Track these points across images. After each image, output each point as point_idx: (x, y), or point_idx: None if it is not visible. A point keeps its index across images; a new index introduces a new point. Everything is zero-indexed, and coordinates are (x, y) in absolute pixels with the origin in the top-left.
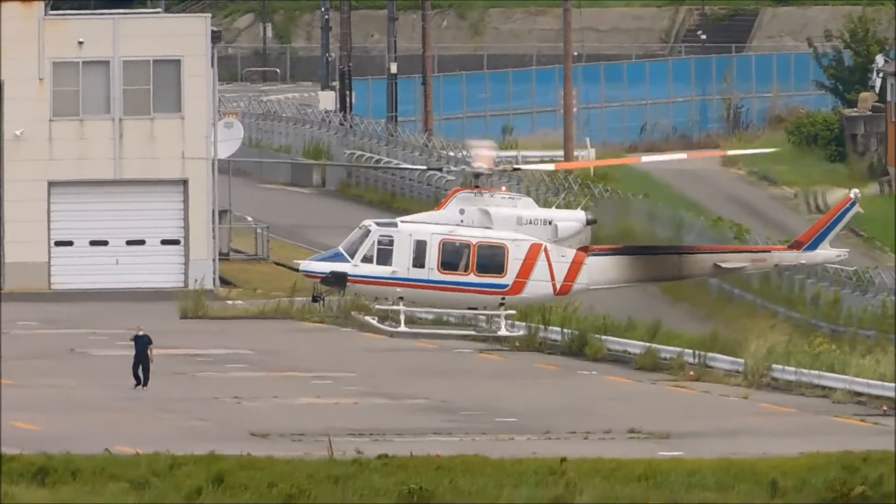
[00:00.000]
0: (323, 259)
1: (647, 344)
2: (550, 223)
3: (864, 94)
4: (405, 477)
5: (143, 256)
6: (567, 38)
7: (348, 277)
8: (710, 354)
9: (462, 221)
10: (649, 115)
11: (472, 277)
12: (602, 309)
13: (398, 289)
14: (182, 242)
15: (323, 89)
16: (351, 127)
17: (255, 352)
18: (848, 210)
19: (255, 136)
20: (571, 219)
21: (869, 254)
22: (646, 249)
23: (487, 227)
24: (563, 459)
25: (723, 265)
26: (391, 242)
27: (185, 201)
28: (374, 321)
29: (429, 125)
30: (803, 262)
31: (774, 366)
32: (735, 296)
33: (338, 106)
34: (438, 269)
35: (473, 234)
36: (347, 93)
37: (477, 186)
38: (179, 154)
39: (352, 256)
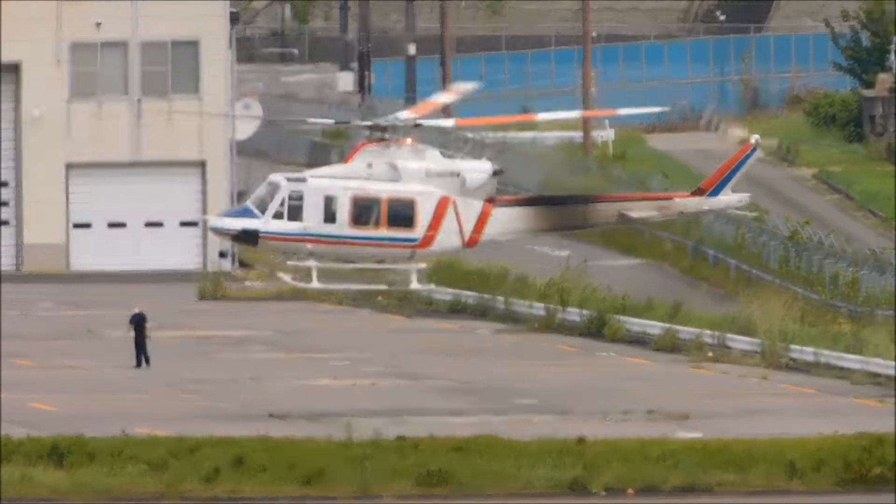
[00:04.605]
0: (233, 215)
1: (667, 325)
2: (458, 175)
3: (882, 76)
4: (423, 458)
5: (162, 238)
6: (586, 19)
7: (259, 234)
8: (728, 335)
9: (370, 175)
10: (668, 95)
11: (383, 231)
12: (621, 289)
13: (309, 244)
14: (200, 224)
15: (342, 70)
16: (370, 108)
17: (273, 333)
18: (749, 156)
19: (274, 116)
20: (478, 170)
21: (887, 234)
22: (551, 199)
23: (396, 181)
24: (581, 440)
25: (628, 213)
26: (301, 198)
27: (204, 183)
28: (287, 278)
29: (448, 111)
30: (706, 207)
31: (793, 346)
32: (754, 276)
33: (357, 87)
34: (349, 224)
35: (383, 188)
36: (366, 74)
37: (383, 139)
38: (197, 136)
39: (262, 212)
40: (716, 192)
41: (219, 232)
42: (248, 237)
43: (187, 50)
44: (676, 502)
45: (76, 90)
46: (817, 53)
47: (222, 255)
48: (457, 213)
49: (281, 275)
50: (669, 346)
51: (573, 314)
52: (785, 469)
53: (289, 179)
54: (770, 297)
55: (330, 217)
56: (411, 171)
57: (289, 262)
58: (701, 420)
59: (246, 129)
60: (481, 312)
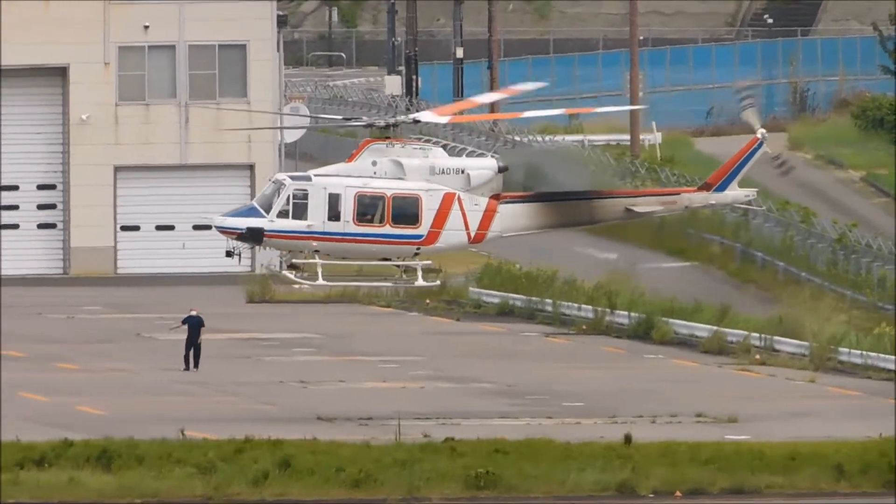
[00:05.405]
0: (238, 214)
1: (714, 327)
2: (463, 172)
3: None
4: (471, 461)
5: (210, 241)
6: (633, 22)
7: (265, 232)
8: (776, 338)
9: (375, 173)
10: (715, 98)
11: (387, 229)
12: (669, 292)
13: (314, 242)
14: None
15: (389, 74)
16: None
17: (321, 336)
18: (756, 150)
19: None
20: (483, 167)
21: None
22: (557, 195)
23: (400, 178)
24: (628, 440)
25: (635, 209)
26: (306, 196)
27: (252, 186)
28: (291, 275)
29: (494, 109)
30: (713, 202)
31: (840, 349)
32: (802, 278)
33: (404, 90)
34: (354, 222)
35: (387, 186)
36: (413, 77)
37: (388, 137)
38: (246, 138)
39: (267, 211)
40: (722, 188)
41: (224, 231)
42: (253, 236)
43: (235, 53)
44: None
45: (124, 93)
46: (865, 56)
47: (229, 254)
48: (462, 210)
49: (286, 273)
50: (717, 348)
51: (621, 317)
52: (832, 471)
53: (293, 178)
54: (818, 299)
55: (334, 215)
56: (416, 169)
57: (296, 261)
58: (748, 423)
59: (294, 132)
60: (529, 315)
